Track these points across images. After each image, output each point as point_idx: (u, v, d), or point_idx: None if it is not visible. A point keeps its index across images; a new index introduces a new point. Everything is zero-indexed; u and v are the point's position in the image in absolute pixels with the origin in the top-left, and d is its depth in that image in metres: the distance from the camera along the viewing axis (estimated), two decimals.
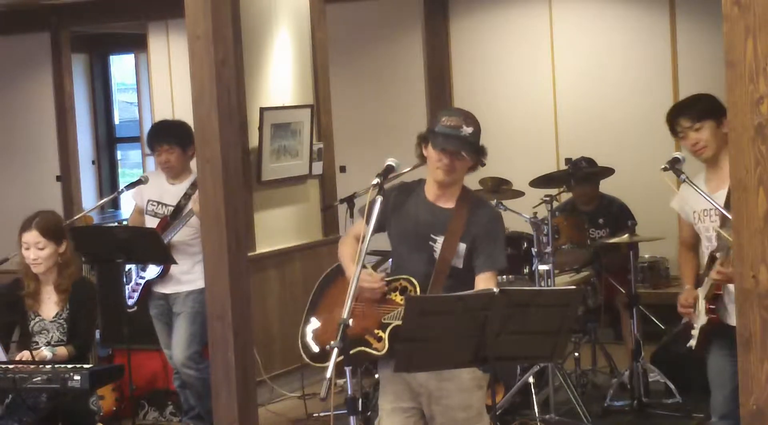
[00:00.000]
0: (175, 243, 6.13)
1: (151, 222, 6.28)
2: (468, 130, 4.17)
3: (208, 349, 5.41)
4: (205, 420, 6.24)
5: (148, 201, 6.35)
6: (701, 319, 4.70)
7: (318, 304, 4.46)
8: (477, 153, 4.20)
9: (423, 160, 4.25)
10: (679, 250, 5.04)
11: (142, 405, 7.01)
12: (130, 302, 6.34)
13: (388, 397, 4.27)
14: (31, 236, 5.28)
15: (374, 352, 4.13)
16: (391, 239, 4.31)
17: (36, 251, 5.28)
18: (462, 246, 4.17)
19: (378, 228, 4.29)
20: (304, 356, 4.40)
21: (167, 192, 6.29)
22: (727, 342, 4.35)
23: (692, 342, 4.82)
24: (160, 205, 6.30)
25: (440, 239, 4.17)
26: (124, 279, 6.35)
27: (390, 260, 4.45)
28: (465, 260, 4.18)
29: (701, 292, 4.71)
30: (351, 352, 3.82)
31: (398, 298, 4.16)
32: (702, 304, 4.67)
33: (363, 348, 4.13)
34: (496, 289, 3.64)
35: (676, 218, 8.77)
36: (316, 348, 4.33)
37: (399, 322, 4.00)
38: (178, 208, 6.20)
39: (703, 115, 4.63)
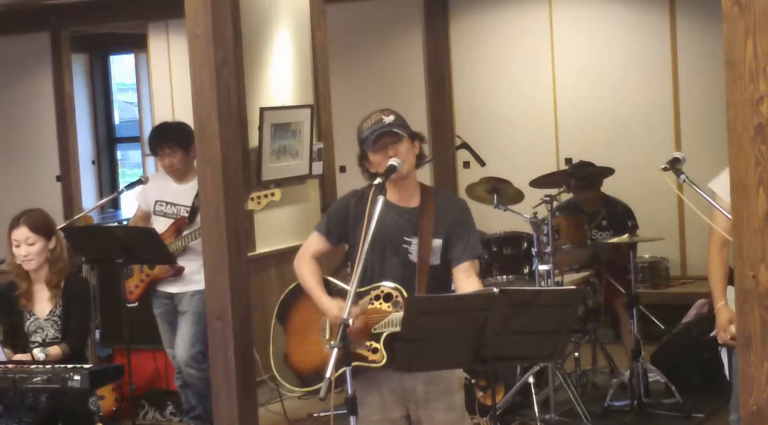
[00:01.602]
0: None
1: (162, 223, 6.26)
2: (389, 118, 4.11)
3: (209, 349, 5.41)
4: (205, 420, 6.23)
5: (156, 202, 6.33)
6: None
7: (287, 330, 4.39)
8: (405, 127, 4.12)
9: (372, 176, 4.10)
10: (710, 247, 4.72)
11: (142, 405, 7.01)
12: (132, 299, 6.34)
13: (372, 408, 4.18)
14: (21, 232, 5.33)
15: (372, 365, 4.06)
16: (358, 248, 4.13)
17: (26, 247, 5.32)
18: (437, 242, 4.13)
19: (338, 240, 4.26)
20: (289, 386, 4.36)
21: (175, 191, 6.27)
22: None
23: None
24: (169, 205, 6.29)
25: (414, 240, 4.11)
26: (124, 274, 6.33)
27: None
28: (441, 256, 4.15)
29: None
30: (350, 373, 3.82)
31: (384, 306, 4.09)
32: None
33: (359, 363, 4.05)
34: (496, 289, 3.63)
35: (676, 218, 8.73)
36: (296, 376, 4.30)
37: (393, 329, 3.97)
38: (194, 209, 6.15)
39: None
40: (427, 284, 4.09)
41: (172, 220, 6.23)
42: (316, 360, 4.22)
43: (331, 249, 4.37)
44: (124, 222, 12.14)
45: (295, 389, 4.34)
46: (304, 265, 4.31)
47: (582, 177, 7.07)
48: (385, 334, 4.03)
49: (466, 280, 4.12)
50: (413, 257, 4.12)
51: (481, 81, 9.52)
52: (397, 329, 3.86)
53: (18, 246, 5.34)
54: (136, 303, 6.33)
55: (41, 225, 5.38)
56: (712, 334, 4.86)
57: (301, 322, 4.33)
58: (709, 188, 4.57)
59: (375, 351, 4.06)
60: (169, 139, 6.21)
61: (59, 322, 5.35)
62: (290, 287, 4.43)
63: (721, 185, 4.69)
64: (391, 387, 4.15)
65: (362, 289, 4.13)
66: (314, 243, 4.33)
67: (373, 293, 4.13)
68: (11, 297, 5.43)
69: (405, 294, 4.05)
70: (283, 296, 4.46)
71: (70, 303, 5.37)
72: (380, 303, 4.11)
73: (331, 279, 4.31)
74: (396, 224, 4.14)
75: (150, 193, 6.38)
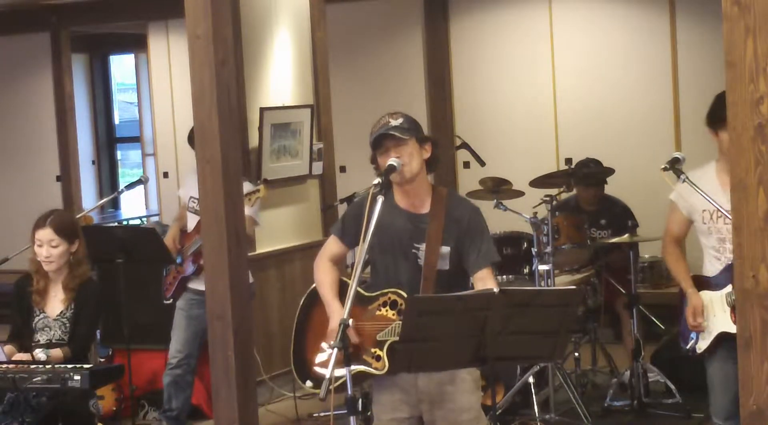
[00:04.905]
0: None
1: (192, 219, 6.34)
2: (396, 121, 4.11)
3: (209, 349, 5.41)
4: (182, 421, 6.33)
5: (190, 198, 6.41)
6: (719, 326, 4.67)
7: (306, 339, 4.38)
8: (412, 131, 4.11)
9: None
10: (666, 245, 4.98)
11: (142, 405, 7.02)
12: (167, 295, 6.39)
13: (384, 407, 4.21)
14: (45, 233, 5.29)
15: (375, 372, 4.05)
16: (370, 252, 4.15)
17: (49, 249, 5.29)
18: (445, 249, 4.11)
19: (354, 242, 4.24)
20: (302, 383, 4.36)
21: None
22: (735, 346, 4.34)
23: (701, 345, 4.78)
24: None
25: (422, 246, 4.11)
26: (165, 271, 6.42)
27: None
28: (451, 261, 4.13)
29: (720, 299, 4.68)
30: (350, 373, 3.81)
31: (390, 313, 4.08)
32: (727, 311, 4.62)
33: (362, 368, 4.06)
34: (496, 289, 3.63)
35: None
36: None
37: (396, 338, 3.95)
38: None
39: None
40: (434, 289, 4.08)
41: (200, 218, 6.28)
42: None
43: (347, 252, 4.38)
44: (125, 223, 12.17)
45: (308, 388, 4.33)
46: (320, 268, 4.32)
47: (583, 176, 7.08)
48: (388, 342, 4.02)
49: (480, 286, 4.10)
50: (422, 262, 4.12)
51: (481, 81, 9.52)
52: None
53: (41, 246, 5.32)
54: (171, 300, 6.37)
55: (66, 229, 5.35)
56: (688, 346, 4.85)
57: (320, 322, 4.31)
58: (701, 192, 4.61)
59: (378, 358, 4.05)
60: None
61: (67, 324, 5.33)
62: (313, 286, 4.41)
63: (678, 194, 4.75)
64: (405, 388, 4.15)
65: (372, 294, 4.15)
66: (331, 245, 4.35)
67: (381, 299, 4.13)
68: (25, 291, 5.42)
69: None
70: (306, 294, 4.45)
71: (81, 308, 5.35)
72: (386, 310, 4.10)
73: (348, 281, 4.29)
74: (406, 229, 4.14)
75: (188, 188, 6.46)
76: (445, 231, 4.12)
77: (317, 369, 4.27)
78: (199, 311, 6.27)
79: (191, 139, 6.40)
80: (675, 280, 5.00)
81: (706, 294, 4.76)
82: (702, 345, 4.78)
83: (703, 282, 4.79)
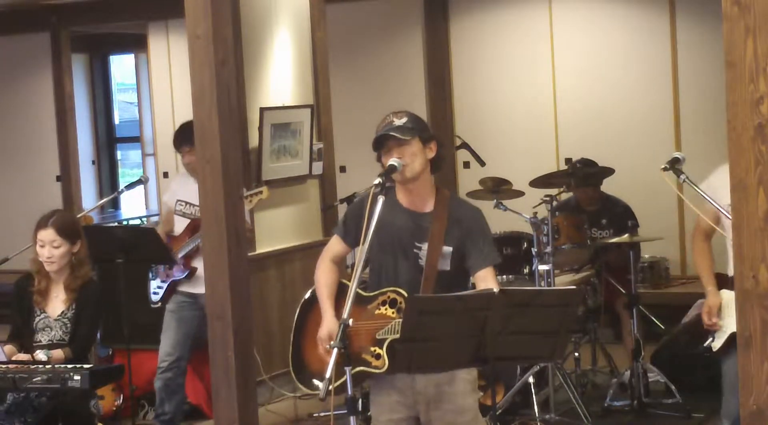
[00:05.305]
0: None
1: (180, 222, 6.32)
2: (400, 121, 4.10)
3: (209, 349, 5.41)
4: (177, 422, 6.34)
5: (177, 201, 6.38)
6: (732, 326, 4.64)
7: (304, 341, 4.39)
8: (416, 130, 4.10)
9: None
10: (695, 240, 4.96)
11: (142, 405, 7.02)
12: (155, 298, 6.38)
13: (381, 408, 4.21)
14: (47, 234, 5.29)
15: (375, 371, 4.05)
16: (369, 251, 4.07)
17: (51, 249, 5.29)
18: (447, 249, 4.11)
19: (355, 242, 4.22)
20: (301, 385, 4.40)
21: (194, 191, 6.24)
22: None
23: (715, 344, 4.76)
24: (188, 205, 6.31)
25: (424, 245, 4.11)
26: (150, 275, 6.39)
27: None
28: (452, 262, 4.13)
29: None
30: (350, 373, 3.81)
31: (389, 312, 4.08)
32: None
33: (362, 368, 4.06)
34: (496, 289, 3.63)
35: (677, 218, 8.71)
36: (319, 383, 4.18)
37: (395, 336, 3.95)
38: None
39: None
40: (434, 289, 4.08)
41: (190, 220, 6.25)
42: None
43: (349, 251, 4.38)
44: (125, 222, 12.17)
45: (305, 389, 4.34)
46: (320, 271, 4.30)
47: (582, 176, 7.08)
48: (388, 340, 4.02)
49: (482, 286, 4.10)
50: (423, 262, 4.12)
51: (481, 81, 9.52)
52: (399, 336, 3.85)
53: (43, 246, 5.32)
54: (159, 304, 6.36)
55: (68, 229, 5.35)
56: (705, 344, 4.85)
57: (318, 324, 4.30)
58: (701, 192, 4.60)
59: (378, 357, 4.05)
60: (191, 137, 6.23)
61: (68, 325, 5.33)
62: (311, 289, 4.41)
63: (706, 187, 4.73)
64: (402, 389, 4.15)
65: (371, 294, 4.15)
66: (334, 245, 4.34)
67: (381, 298, 4.13)
68: (25, 291, 5.42)
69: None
70: (304, 298, 4.45)
71: (82, 309, 5.35)
72: (386, 309, 4.11)
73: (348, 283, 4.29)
74: (408, 228, 4.14)
75: (176, 192, 6.43)
76: (448, 231, 4.12)
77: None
78: (190, 313, 6.27)
79: (177, 142, 6.40)
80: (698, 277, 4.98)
81: (725, 293, 4.73)
82: (717, 344, 4.76)
83: (725, 281, 4.76)
